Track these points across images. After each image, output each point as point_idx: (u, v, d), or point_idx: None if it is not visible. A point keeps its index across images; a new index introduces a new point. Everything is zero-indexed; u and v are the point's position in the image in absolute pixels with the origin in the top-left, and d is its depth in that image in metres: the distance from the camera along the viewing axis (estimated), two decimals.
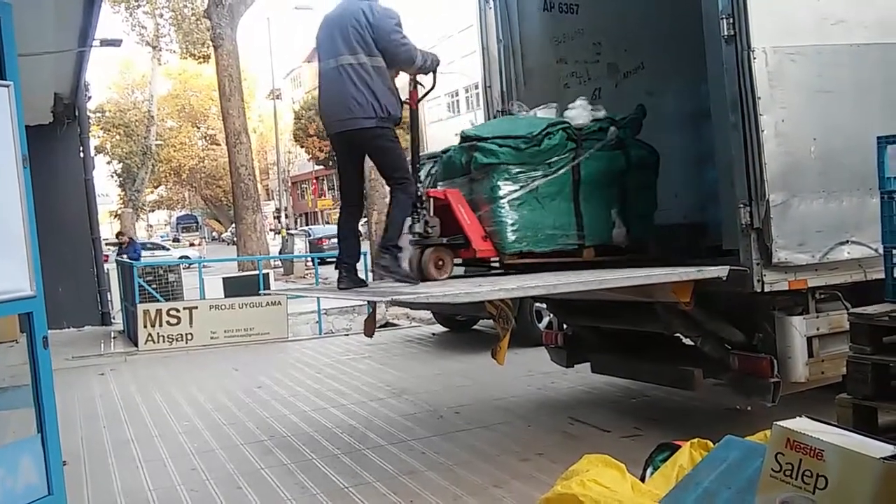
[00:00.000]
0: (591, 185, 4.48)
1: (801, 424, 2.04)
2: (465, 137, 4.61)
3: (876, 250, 3.56)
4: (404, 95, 4.43)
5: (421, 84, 4.45)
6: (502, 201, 4.31)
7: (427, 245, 4.28)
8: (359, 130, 4.17)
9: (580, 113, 4.62)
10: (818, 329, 3.93)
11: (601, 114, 4.65)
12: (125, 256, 13.06)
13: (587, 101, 4.78)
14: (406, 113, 4.44)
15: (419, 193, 4.33)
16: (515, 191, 4.33)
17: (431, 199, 4.41)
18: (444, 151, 4.88)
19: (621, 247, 4.60)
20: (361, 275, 4.57)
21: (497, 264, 4.78)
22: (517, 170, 4.33)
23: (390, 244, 4.22)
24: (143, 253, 25.94)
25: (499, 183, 4.31)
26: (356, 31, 4.14)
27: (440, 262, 4.30)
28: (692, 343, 4.47)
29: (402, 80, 4.49)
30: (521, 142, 4.33)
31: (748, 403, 4.40)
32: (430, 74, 4.40)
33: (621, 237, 4.57)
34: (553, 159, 4.40)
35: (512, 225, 4.32)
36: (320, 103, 4.39)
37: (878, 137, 3.02)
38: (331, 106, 4.29)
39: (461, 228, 4.34)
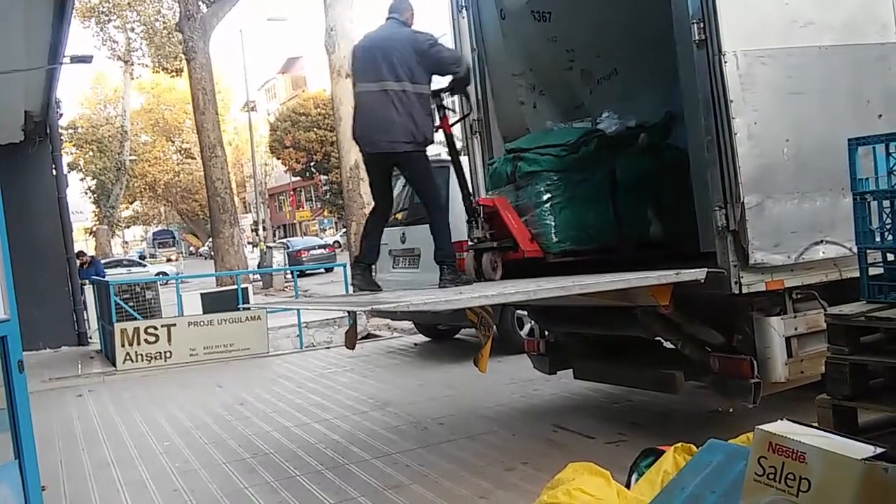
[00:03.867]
0: (627, 187, 4.79)
1: (782, 427, 2.05)
2: (509, 150, 5.06)
3: (850, 249, 3.59)
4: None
5: (451, 110, 4.93)
6: (546, 205, 4.69)
7: (483, 249, 4.74)
8: (397, 153, 4.60)
9: (611, 122, 5.03)
10: (796, 329, 3.96)
11: (632, 122, 5.03)
12: (85, 279, 12.66)
13: (612, 112, 5.14)
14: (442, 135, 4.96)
15: (472, 204, 4.87)
16: (557, 195, 4.69)
17: (481, 207, 4.87)
18: (491, 163, 5.28)
19: (659, 242, 4.86)
20: (341, 288, 4.70)
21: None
22: (558, 176, 4.70)
23: (448, 259, 4.65)
24: (119, 270, 25.79)
25: (541, 188, 4.70)
26: (401, 59, 4.52)
27: (495, 264, 4.75)
28: (673, 346, 4.49)
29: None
30: (559, 150, 4.72)
31: (730, 405, 4.43)
32: (460, 101, 5.00)
33: (658, 234, 4.85)
34: (590, 165, 4.75)
35: (555, 226, 4.68)
36: (358, 123, 4.73)
37: (850, 139, 3.05)
38: (371, 127, 4.65)
39: (510, 232, 4.72)
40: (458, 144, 5.28)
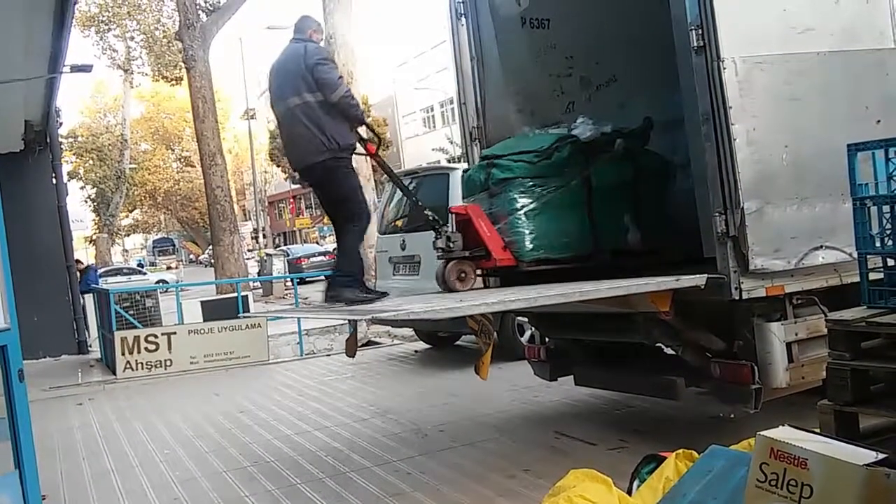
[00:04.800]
0: (603, 193, 4.75)
1: (784, 433, 2.05)
2: (483, 157, 5.03)
3: (850, 254, 3.59)
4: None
5: (367, 139, 4.93)
6: (519, 212, 4.63)
7: (451, 258, 4.64)
8: (315, 164, 4.58)
9: (586, 128, 4.95)
10: (797, 334, 3.96)
11: (608, 128, 4.95)
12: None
13: (588, 117, 5.08)
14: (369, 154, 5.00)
15: (428, 213, 4.88)
16: (531, 202, 4.64)
17: (453, 215, 4.82)
18: (465, 171, 5.27)
19: (636, 251, 4.81)
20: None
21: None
22: (531, 183, 4.65)
23: (344, 273, 4.63)
24: (119, 278, 25.79)
25: (515, 196, 4.63)
26: (297, 73, 4.55)
27: (462, 274, 4.66)
28: (673, 352, 4.49)
29: None
30: (532, 156, 4.68)
31: (731, 411, 4.42)
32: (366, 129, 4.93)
33: (636, 241, 4.80)
34: (565, 171, 4.70)
35: (529, 234, 4.61)
36: (282, 144, 4.86)
37: (849, 144, 3.06)
38: (289, 146, 4.76)
39: (481, 240, 4.65)
40: (458, 151, 5.30)
